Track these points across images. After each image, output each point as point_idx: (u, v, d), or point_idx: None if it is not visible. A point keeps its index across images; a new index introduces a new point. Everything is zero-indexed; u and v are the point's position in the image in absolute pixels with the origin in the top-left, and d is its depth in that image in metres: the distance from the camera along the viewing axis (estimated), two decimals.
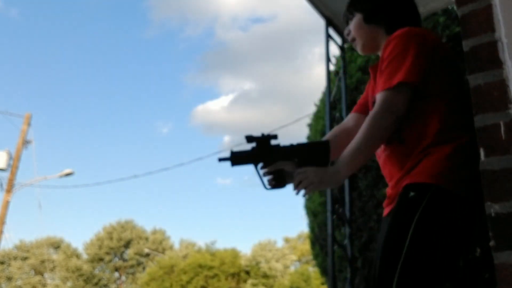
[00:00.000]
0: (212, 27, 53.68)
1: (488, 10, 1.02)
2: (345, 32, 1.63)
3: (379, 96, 1.33)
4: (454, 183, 1.23)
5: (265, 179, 1.43)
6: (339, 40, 4.13)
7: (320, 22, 3.94)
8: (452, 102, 1.33)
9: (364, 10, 1.54)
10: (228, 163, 1.40)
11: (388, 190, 1.43)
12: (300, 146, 1.41)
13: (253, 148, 1.40)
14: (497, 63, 0.99)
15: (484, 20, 1.02)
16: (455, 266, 1.27)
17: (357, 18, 1.55)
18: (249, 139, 1.39)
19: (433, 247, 1.20)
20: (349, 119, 1.65)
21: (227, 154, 1.41)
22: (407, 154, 1.33)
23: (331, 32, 4.01)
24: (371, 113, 1.33)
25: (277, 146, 1.40)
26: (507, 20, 0.98)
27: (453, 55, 1.41)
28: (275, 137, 1.40)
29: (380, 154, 1.46)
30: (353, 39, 1.59)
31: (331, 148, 1.44)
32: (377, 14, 1.52)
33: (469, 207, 1.22)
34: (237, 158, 1.40)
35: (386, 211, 1.45)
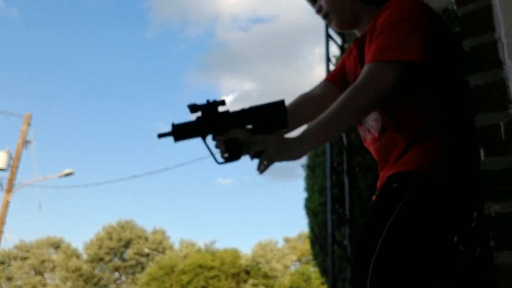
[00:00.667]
0: (212, 28, 53.86)
1: (488, 10, 1.02)
2: (316, 8, 1.43)
3: (366, 68, 1.18)
4: (444, 171, 1.15)
5: (217, 152, 1.25)
6: (339, 40, 4.13)
7: (320, 22, 3.95)
8: (444, 88, 1.23)
9: None
10: (170, 139, 1.21)
11: (378, 183, 1.31)
12: (252, 109, 1.21)
13: (198, 118, 1.21)
14: (497, 63, 0.99)
15: (484, 20, 1.02)
16: (445, 259, 1.17)
17: None
18: (193, 108, 1.20)
19: (414, 239, 1.09)
20: (317, 87, 1.47)
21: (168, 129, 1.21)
22: (401, 141, 1.22)
23: (331, 32, 4.01)
24: (354, 85, 1.17)
25: (226, 112, 1.22)
26: (507, 20, 0.98)
27: (452, 36, 1.28)
28: (222, 103, 1.21)
29: (372, 143, 1.33)
30: (326, 14, 1.39)
31: (295, 117, 1.32)
32: None
33: (460, 194, 1.15)
34: (180, 131, 1.20)
35: None
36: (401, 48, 1.16)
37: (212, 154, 1.23)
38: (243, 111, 1.22)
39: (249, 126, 1.22)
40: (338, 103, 1.17)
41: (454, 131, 1.20)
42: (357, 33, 1.43)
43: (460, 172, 1.16)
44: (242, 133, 1.22)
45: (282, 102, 1.21)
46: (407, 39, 1.16)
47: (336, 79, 1.47)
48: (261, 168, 1.19)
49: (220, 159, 1.23)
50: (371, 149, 1.34)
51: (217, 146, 1.25)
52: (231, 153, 1.22)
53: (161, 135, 1.21)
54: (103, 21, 51.88)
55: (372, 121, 1.31)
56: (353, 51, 1.39)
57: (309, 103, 1.44)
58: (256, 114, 1.21)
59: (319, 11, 1.42)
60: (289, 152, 1.17)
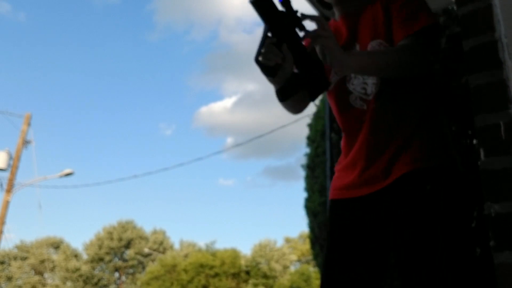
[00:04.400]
0: (216, 30, 54.05)
1: (488, 10, 1.02)
2: None
3: (414, 37, 1.21)
4: (452, 161, 1.21)
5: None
6: None
7: None
8: (433, 82, 1.32)
9: None
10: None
11: (371, 160, 1.26)
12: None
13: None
14: (497, 63, 0.99)
15: (484, 20, 1.02)
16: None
17: None
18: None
19: (464, 236, 1.15)
20: None
21: None
22: (402, 118, 1.24)
23: None
24: (409, 44, 1.21)
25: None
26: (507, 20, 0.98)
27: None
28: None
29: (361, 117, 1.29)
30: None
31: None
32: None
33: (466, 180, 1.20)
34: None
35: (373, 188, 1.24)
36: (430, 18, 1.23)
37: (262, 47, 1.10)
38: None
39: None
40: (392, 49, 1.21)
41: (445, 121, 1.27)
42: (338, 10, 1.41)
43: (459, 158, 1.22)
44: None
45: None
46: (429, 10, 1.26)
47: None
48: (318, 33, 1.08)
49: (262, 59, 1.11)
50: (363, 118, 1.29)
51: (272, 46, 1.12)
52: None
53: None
54: (108, 24, 52.17)
55: (361, 88, 1.30)
56: (343, 25, 1.38)
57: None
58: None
59: None
60: (340, 53, 1.09)
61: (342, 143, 1.38)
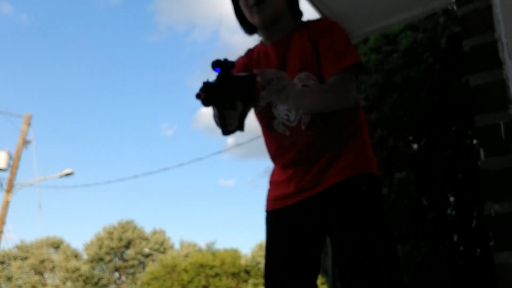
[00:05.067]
0: (217, 31, 54.03)
1: (488, 10, 1.02)
2: None
3: (344, 73, 1.30)
4: (375, 168, 1.39)
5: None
6: None
7: None
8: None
9: None
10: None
11: (302, 173, 1.37)
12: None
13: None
14: (497, 63, 0.99)
15: (484, 20, 1.02)
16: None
17: None
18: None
19: (385, 227, 1.36)
20: None
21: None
22: (332, 138, 1.35)
23: None
24: (337, 82, 1.29)
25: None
26: (507, 20, 0.98)
27: None
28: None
29: (292, 136, 1.38)
30: (261, 2, 1.39)
31: None
32: None
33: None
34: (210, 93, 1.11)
35: (305, 195, 1.36)
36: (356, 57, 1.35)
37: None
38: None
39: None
40: (331, 88, 1.29)
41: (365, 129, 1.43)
42: (263, 35, 1.48)
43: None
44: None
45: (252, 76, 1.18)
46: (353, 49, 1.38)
47: None
48: (281, 96, 1.14)
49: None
50: (286, 142, 1.39)
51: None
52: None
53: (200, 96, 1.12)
54: (109, 24, 52.16)
55: (285, 115, 1.39)
56: (273, 52, 1.44)
57: None
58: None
59: None
60: (296, 95, 1.17)
61: (272, 160, 1.49)
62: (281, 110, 1.39)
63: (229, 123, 1.18)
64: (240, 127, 1.21)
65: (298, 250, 1.38)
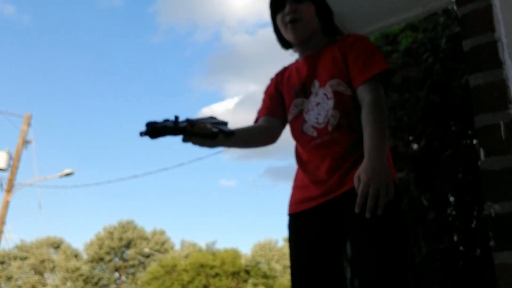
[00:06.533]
0: (219, 31, 54.00)
1: (488, 10, 1.02)
2: (290, 8, 1.51)
3: (372, 81, 1.38)
4: (396, 177, 1.40)
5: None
6: None
7: None
8: None
9: (315, 2, 1.54)
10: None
11: (327, 175, 1.39)
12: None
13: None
14: (497, 63, 0.99)
15: (484, 20, 1.02)
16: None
17: (310, 5, 1.52)
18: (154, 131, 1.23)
19: (407, 240, 1.38)
20: (262, 121, 1.59)
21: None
22: (356, 142, 1.37)
23: None
24: (374, 100, 1.35)
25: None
26: (507, 20, 0.98)
27: None
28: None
29: (319, 137, 1.43)
30: (296, 20, 1.50)
31: (246, 135, 1.49)
32: (325, 11, 1.56)
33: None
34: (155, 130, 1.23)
35: (327, 198, 1.38)
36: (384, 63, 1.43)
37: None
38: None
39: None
40: (375, 122, 1.32)
41: None
42: (297, 50, 1.60)
43: None
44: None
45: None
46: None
47: (274, 111, 1.59)
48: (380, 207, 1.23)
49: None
50: (313, 143, 1.44)
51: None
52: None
53: (141, 134, 1.25)
54: (111, 25, 52.28)
55: (315, 118, 1.45)
56: (305, 65, 1.54)
57: (259, 130, 1.57)
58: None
59: (293, 11, 1.50)
60: (381, 171, 1.25)
61: (298, 163, 1.52)
62: (311, 114, 1.47)
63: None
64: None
65: (322, 251, 1.40)
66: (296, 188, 1.51)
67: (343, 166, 1.37)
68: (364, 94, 1.38)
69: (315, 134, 1.43)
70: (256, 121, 1.61)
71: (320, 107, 1.44)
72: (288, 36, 1.55)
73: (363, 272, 1.28)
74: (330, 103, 1.42)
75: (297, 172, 1.53)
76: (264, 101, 1.65)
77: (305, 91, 1.50)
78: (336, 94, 1.42)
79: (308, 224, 1.44)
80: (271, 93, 1.63)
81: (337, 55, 1.47)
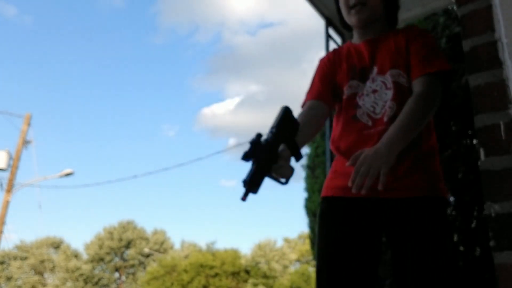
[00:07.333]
0: (220, 32, 54.04)
1: (488, 10, 1.02)
2: None
3: (431, 77, 1.34)
4: (444, 192, 1.38)
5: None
6: (339, 40, 4.12)
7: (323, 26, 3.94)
8: None
9: None
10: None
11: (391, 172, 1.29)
12: (277, 130, 1.24)
13: (255, 162, 1.21)
14: (497, 63, 0.99)
15: (484, 20, 1.02)
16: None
17: None
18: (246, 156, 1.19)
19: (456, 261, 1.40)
20: (311, 108, 1.49)
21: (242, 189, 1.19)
22: (409, 144, 1.30)
23: (331, 32, 4.01)
24: (424, 93, 1.32)
25: (266, 144, 1.23)
26: (507, 20, 0.98)
27: None
28: (259, 136, 1.21)
29: (373, 126, 1.38)
30: (362, 3, 1.47)
31: (303, 136, 1.34)
32: None
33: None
34: (253, 183, 1.20)
35: (376, 194, 1.28)
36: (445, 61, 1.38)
37: (278, 181, 1.26)
38: (273, 136, 1.23)
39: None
40: (410, 112, 1.28)
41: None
42: (357, 33, 1.55)
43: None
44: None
45: (287, 109, 1.26)
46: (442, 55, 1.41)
47: (324, 95, 1.51)
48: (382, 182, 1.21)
49: (283, 179, 1.27)
50: (366, 132, 1.38)
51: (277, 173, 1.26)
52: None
53: (244, 198, 1.21)
54: (112, 26, 52.22)
55: (371, 106, 1.40)
56: (365, 49, 1.49)
57: (311, 124, 1.46)
58: (279, 132, 1.24)
59: None
60: (383, 158, 1.22)
61: (336, 148, 1.46)
62: (366, 101, 1.41)
63: (281, 173, 1.25)
64: (297, 157, 1.28)
65: (357, 241, 1.35)
66: (336, 173, 1.45)
67: (398, 166, 1.29)
68: (418, 86, 1.34)
69: (370, 123, 1.38)
70: (304, 103, 1.53)
71: (377, 96, 1.40)
72: (351, 19, 1.50)
73: (417, 281, 1.25)
74: (389, 93, 1.38)
75: (337, 158, 1.47)
76: (315, 83, 1.56)
77: (362, 75, 1.45)
78: (396, 85, 1.38)
79: (344, 211, 1.39)
80: (323, 74, 1.55)
81: (401, 44, 1.43)
